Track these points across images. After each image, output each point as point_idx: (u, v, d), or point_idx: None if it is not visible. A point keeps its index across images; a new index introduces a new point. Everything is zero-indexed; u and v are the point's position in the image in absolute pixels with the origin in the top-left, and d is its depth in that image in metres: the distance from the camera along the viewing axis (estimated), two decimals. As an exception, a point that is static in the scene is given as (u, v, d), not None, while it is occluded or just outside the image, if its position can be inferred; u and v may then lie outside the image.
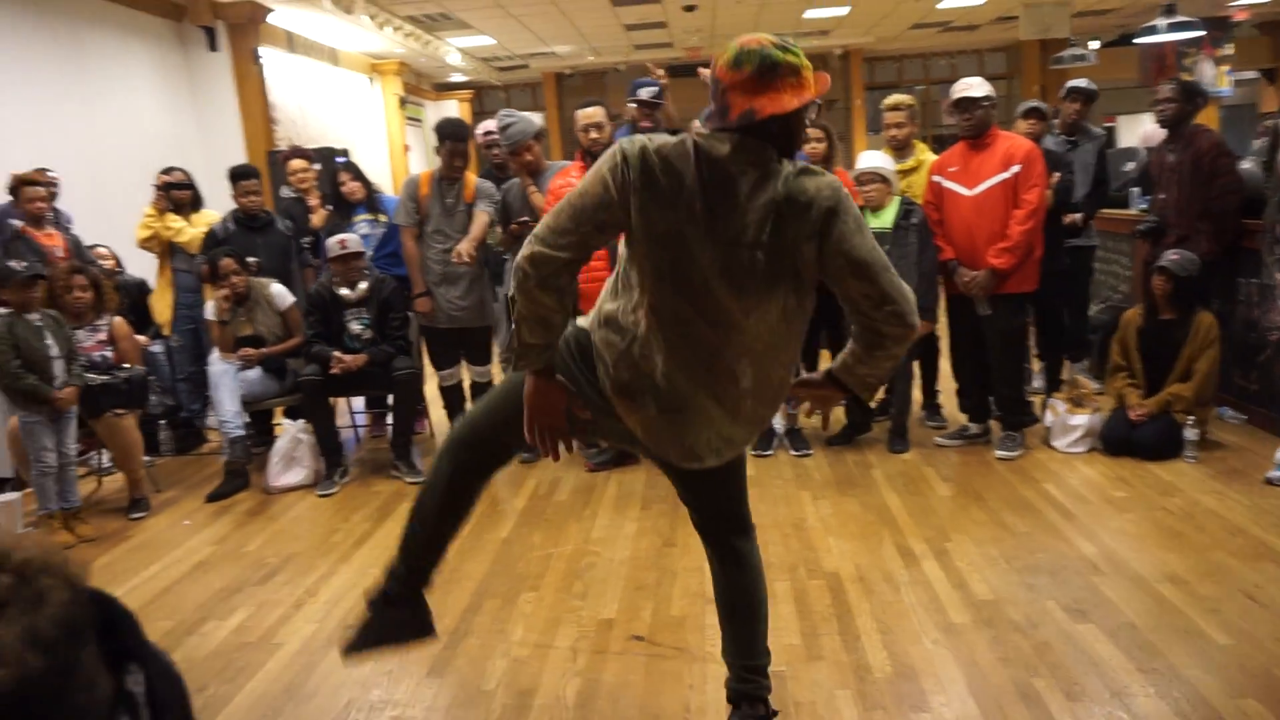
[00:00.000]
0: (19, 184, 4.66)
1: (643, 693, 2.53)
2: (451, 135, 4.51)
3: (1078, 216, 4.99)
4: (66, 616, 0.47)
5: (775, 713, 2.28)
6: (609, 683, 2.59)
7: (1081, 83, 5.25)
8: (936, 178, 4.36)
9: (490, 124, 5.00)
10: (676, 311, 1.90)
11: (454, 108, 14.26)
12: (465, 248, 4.33)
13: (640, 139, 1.89)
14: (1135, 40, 8.17)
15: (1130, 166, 6.31)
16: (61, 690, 0.46)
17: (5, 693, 0.43)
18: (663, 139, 1.89)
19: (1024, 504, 3.75)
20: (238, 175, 5.07)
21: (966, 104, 4.19)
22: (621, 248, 1.96)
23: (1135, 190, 5.75)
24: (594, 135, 4.23)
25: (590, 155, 4.18)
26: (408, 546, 2.30)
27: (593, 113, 4.28)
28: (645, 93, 4.44)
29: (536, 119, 4.53)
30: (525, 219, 4.41)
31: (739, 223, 1.84)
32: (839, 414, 4.78)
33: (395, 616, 2.29)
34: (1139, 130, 8.76)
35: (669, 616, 2.95)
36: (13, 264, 4.02)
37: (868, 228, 1.90)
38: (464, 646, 2.83)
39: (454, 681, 2.64)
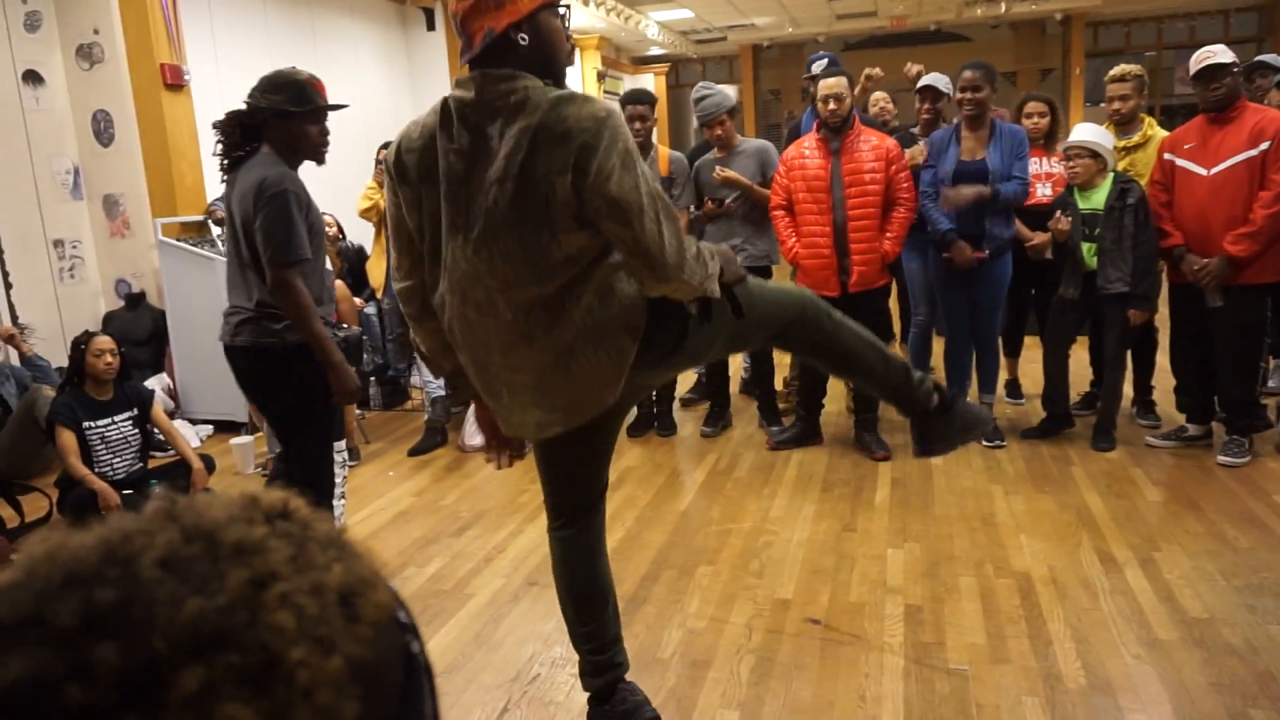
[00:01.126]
0: None
1: (817, 676, 2.52)
2: (633, 100, 4.56)
3: None
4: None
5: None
6: (783, 663, 2.59)
7: None
8: (1169, 155, 3.99)
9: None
10: (452, 292, 1.86)
11: (650, 81, 14.42)
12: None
13: (398, 136, 1.87)
14: None
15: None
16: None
17: (394, 612, 0.48)
18: (419, 120, 1.85)
19: (1249, 517, 3.41)
20: None
21: (1212, 73, 3.80)
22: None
23: None
24: (832, 106, 4.00)
25: (827, 128, 4.07)
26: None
27: (834, 83, 4.02)
28: (818, 66, 4.33)
29: (732, 93, 4.51)
30: (722, 198, 4.41)
31: (493, 166, 1.73)
32: (1038, 407, 4.52)
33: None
34: None
35: (846, 602, 2.91)
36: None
37: (638, 165, 1.71)
38: (641, 613, 2.91)
39: (630, 646, 2.70)
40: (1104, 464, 4.03)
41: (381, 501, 4.03)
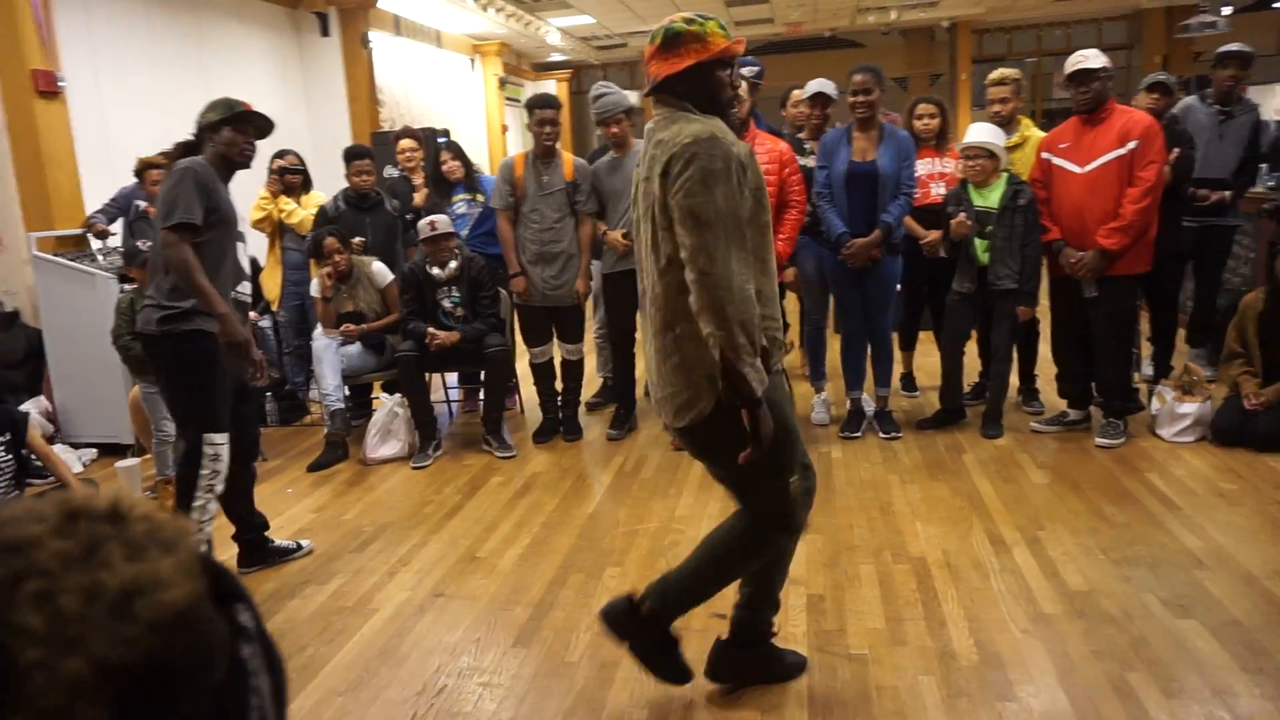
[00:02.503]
0: (145, 167, 4.96)
1: (721, 670, 2.55)
2: (540, 104, 4.57)
3: (1225, 194, 4.73)
4: (195, 550, 0.51)
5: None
6: (691, 659, 2.59)
7: (1235, 47, 4.93)
8: (1046, 154, 4.19)
9: None
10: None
11: (552, 87, 14.40)
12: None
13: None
14: (1276, 5, 7.64)
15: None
16: (211, 619, 0.50)
17: (184, 611, 0.47)
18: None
19: (1124, 494, 3.61)
20: (352, 155, 5.24)
21: (1083, 76, 4.00)
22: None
23: (1263, 167, 5.41)
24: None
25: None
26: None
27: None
28: (749, 71, 4.40)
29: (633, 98, 4.55)
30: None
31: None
32: (931, 399, 4.68)
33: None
34: (1273, 102, 8.21)
35: (750, 596, 2.95)
36: (139, 244, 4.27)
37: (697, 183, 1.97)
38: (550, 618, 2.90)
39: (539, 652, 2.71)
40: (993, 450, 4.20)
41: (280, 520, 3.91)
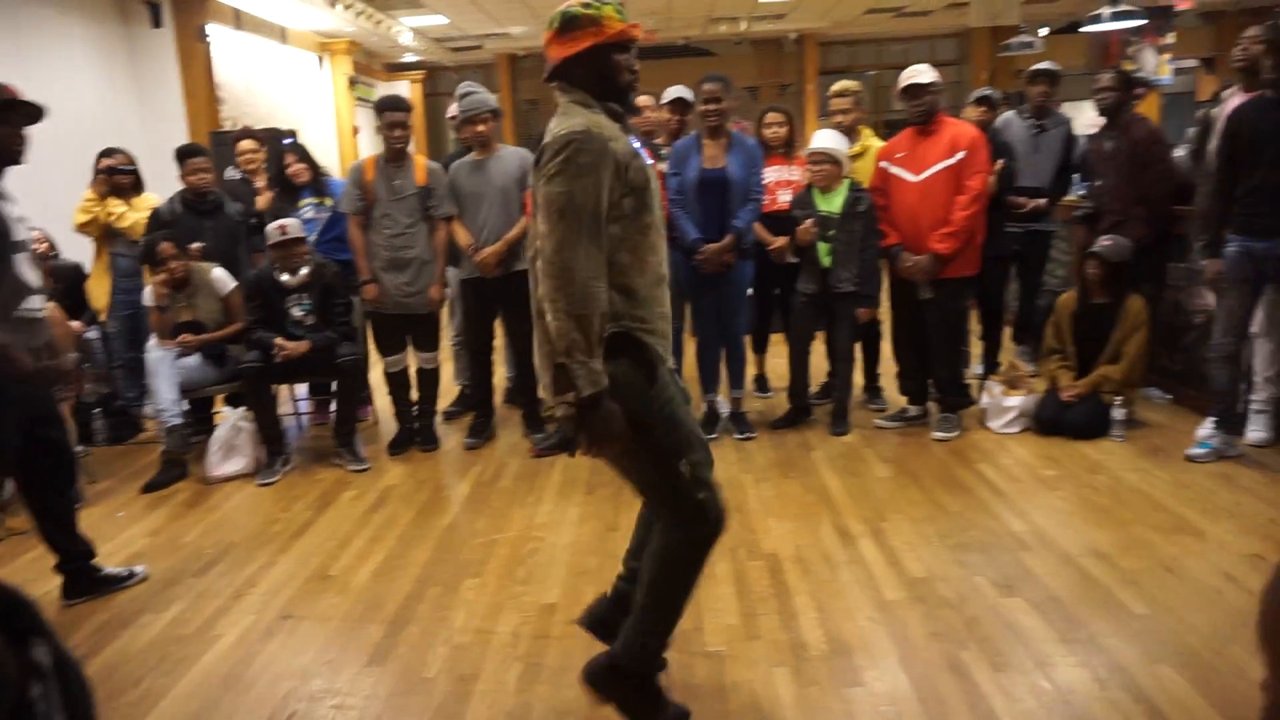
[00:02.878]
0: None
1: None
2: (390, 106, 4.46)
3: (1042, 201, 5.09)
4: None
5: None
6: (551, 667, 2.61)
7: (1045, 65, 5.32)
8: (884, 163, 4.41)
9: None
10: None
11: (405, 88, 14.07)
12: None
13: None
14: (1082, 29, 8.31)
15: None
16: None
17: None
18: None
19: (959, 484, 3.84)
20: (185, 154, 4.95)
21: (914, 90, 4.24)
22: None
23: (1075, 176, 5.86)
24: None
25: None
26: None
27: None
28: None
29: (493, 100, 4.51)
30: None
31: None
32: (784, 399, 4.85)
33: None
34: (1082, 117, 8.92)
35: (610, 599, 2.98)
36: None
37: (559, 174, 1.98)
38: (405, 634, 2.84)
39: (395, 670, 2.65)
40: (841, 447, 4.39)
41: (110, 546, 3.66)
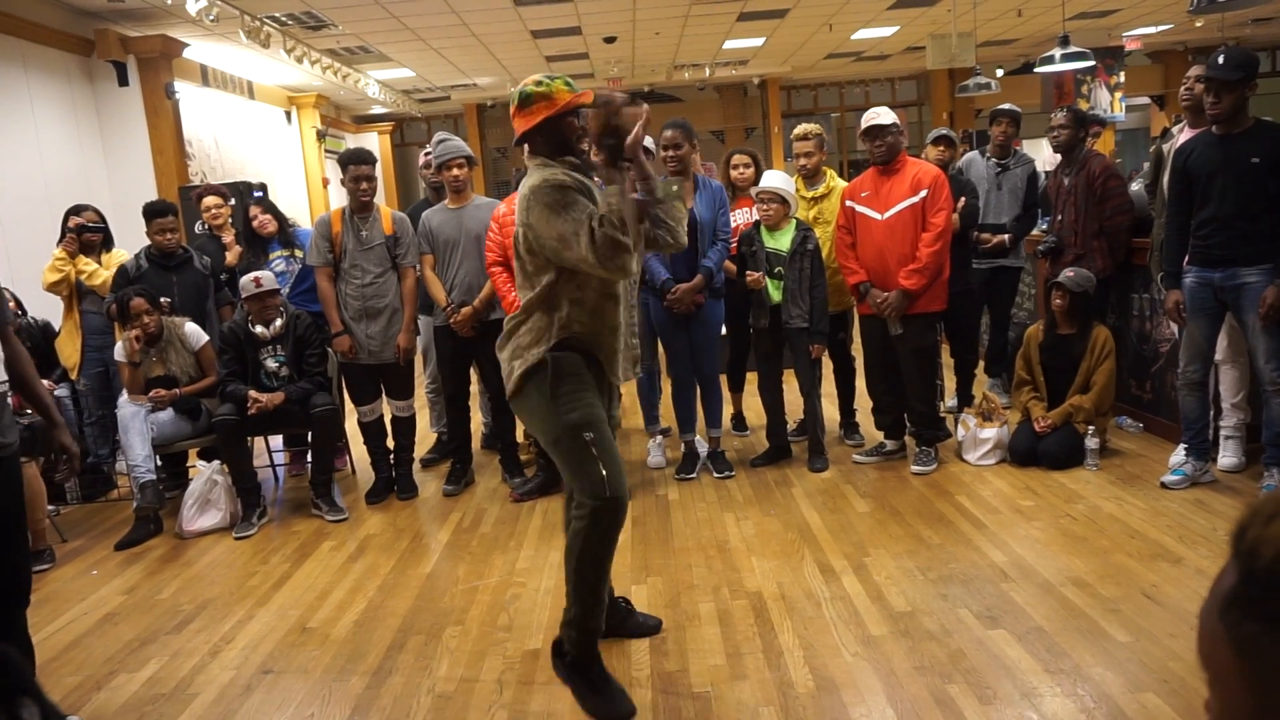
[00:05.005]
0: None
1: (568, 721, 2.53)
2: (353, 160, 4.50)
3: (1006, 237, 5.21)
4: None
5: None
6: (536, 712, 2.59)
7: (1007, 106, 5.47)
8: (849, 202, 4.50)
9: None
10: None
11: (374, 140, 14.16)
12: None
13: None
14: (1035, 69, 8.57)
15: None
16: None
17: None
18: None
19: (938, 517, 3.87)
20: (152, 213, 4.93)
21: (876, 131, 4.35)
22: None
23: (1039, 212, 6.00)
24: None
25: None
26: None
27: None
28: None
29: (467, 148, 4.58)
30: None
31: None
32: (762, 437, 4.87)
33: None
34: (1039, 155, 9.16)
35: (595, 644, 2.95)
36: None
37: (539, 217, 2.43)
38: (388, 685, 2.80)
39: (377, 721, 2.60)
40: (820, 483, 4.41)
41: (84, 605, 3.59)
